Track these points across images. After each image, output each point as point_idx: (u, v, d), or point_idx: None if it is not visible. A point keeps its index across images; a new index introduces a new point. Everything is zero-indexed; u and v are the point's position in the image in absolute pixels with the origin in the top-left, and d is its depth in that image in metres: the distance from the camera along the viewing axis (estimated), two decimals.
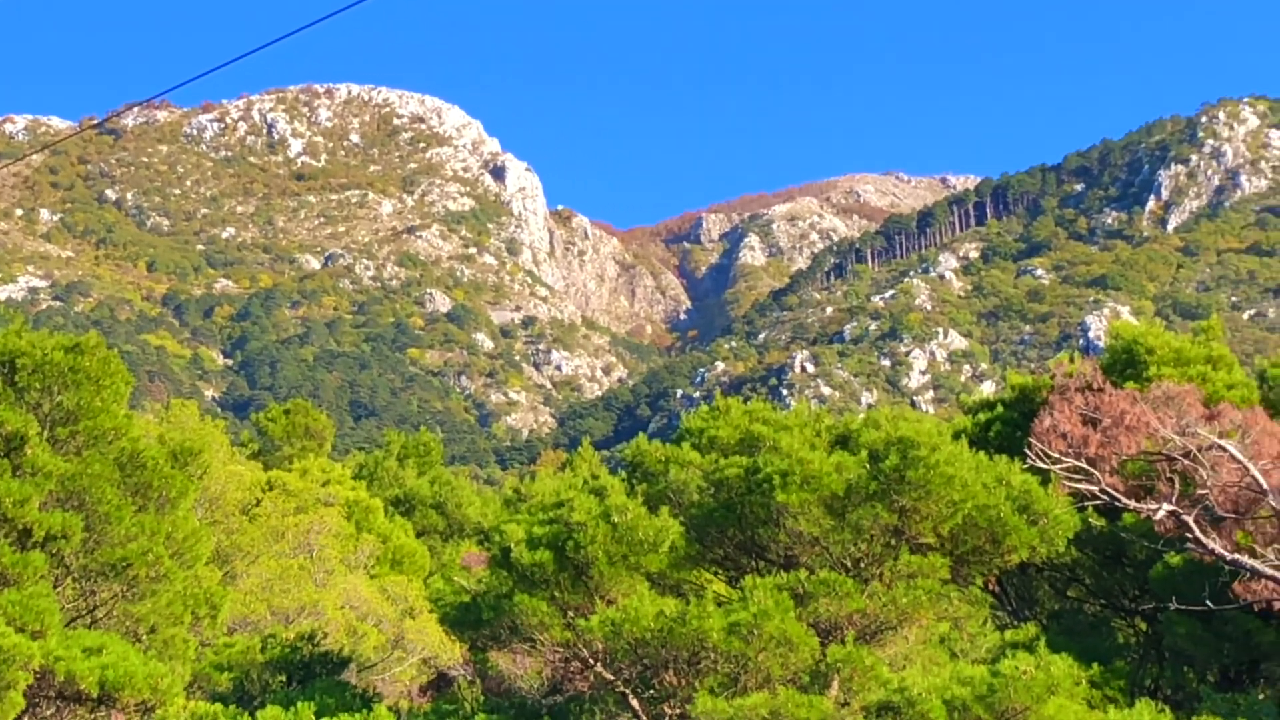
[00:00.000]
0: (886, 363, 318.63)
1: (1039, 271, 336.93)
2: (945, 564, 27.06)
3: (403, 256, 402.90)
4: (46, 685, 24.03)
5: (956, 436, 31.95)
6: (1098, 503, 30.03)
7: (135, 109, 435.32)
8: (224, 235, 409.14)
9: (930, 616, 27.19)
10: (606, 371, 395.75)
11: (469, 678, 39.05)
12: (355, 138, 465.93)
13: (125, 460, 26.36)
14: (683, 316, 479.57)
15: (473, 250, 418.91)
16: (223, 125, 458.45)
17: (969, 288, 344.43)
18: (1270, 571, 27.71)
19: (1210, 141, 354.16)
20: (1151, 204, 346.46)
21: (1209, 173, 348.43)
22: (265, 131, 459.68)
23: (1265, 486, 27.89)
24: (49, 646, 23.67)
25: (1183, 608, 29.80)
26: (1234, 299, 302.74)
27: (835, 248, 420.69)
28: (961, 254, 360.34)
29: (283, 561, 46.11)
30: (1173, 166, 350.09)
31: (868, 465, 27.14)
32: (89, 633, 25.00)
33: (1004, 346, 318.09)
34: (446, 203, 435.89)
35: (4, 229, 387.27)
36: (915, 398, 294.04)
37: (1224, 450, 28.37)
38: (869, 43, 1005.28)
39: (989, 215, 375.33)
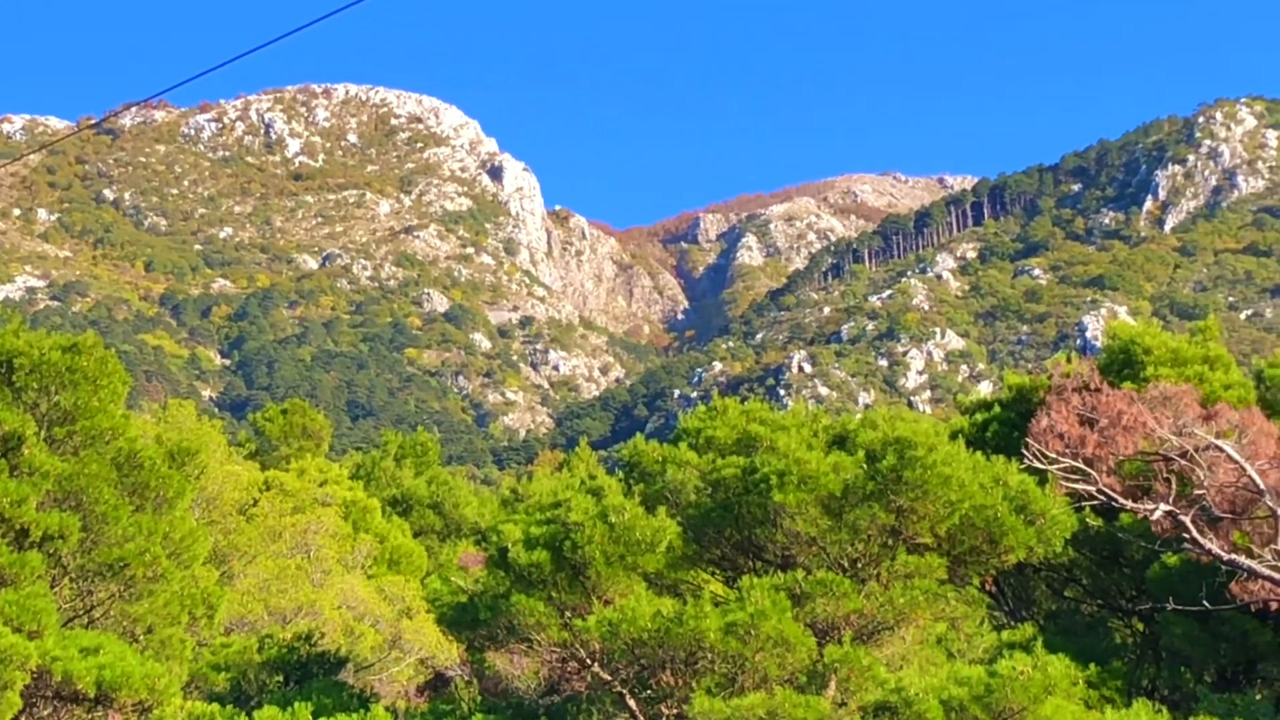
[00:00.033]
0: (884, 363, 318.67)
1: (1036, 272, 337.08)
2: (942, 564, 27.06)
3: (400, 256, 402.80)
4: (43, 685, 24.03)
5: (954, 437, 31.88)
6: (1095, 503, 30.06)
7: (133, 109, 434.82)
8: (221, 235, 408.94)
9: (927, 617, 27.19)
10: (604, 371, 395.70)
11: (466, 678, 39.00)
12: (353, 138, 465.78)
13: (122, 460, 26.37)
14: (680, 316, 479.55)
15: (470, 250, 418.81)
16: (220, 125, 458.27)
17: (966, 288, 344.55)
18: (1267, 572, 27.72)
19: (1207, 142, 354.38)
20: (1149, 204, 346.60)
21: (1206, 173, 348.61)
22: (263, 131, 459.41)
23: (1262, 486, 27.91)
24: (46, 646, 23.66)
25: (1180, 608, 29.78)
26: (1231, 299, 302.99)
27: (832, 248, 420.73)
28: (959, 254, 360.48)
29: (280, 561, 46.15)
30: (1170, 167, 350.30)
31: (865, 465, 27.14)
32: (86, 633, 25.00)
33: (1001, 346, 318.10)
34: (444, 203, 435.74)
35: (1, 229, 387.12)
36: (912, 398, 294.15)
37: (1221, 450, 28.39)
38: (867, 43, 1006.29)
39: (986, 215, 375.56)
